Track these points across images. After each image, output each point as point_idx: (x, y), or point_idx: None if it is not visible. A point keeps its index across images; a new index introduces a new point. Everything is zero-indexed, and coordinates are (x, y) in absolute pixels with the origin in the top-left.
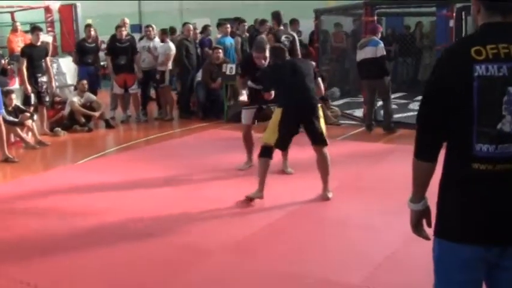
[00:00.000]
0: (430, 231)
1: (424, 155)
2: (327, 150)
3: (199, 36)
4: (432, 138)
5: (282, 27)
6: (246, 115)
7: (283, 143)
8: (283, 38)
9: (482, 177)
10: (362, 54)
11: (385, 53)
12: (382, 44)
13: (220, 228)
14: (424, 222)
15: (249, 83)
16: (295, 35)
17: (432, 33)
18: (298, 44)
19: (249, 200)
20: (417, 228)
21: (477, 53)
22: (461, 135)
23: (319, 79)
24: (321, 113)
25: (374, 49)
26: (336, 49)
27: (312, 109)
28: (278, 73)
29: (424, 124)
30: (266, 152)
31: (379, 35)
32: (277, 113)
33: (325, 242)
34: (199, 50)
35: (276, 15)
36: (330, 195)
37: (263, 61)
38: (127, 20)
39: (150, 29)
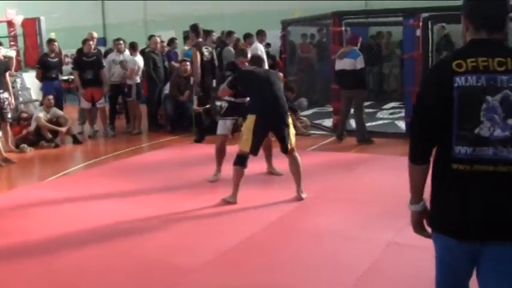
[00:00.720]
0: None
1: (417, 159)
2: (296, 153)
3: (166, 49)
4: (423, 144)
5: (201, 39)
6: (224, 125)
7: (256, 149)
8: (203, 49)
9: (461, 176)
10: (340, 64)
11: (364, 65)
12: (361, 56)
13: (199, 243)
14: (425, 222)
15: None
16: (211, 48)
17: (391, 44)
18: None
19: (226, 202)
20: (418, 227)
21: (458, 66)
22: (444, 138)
23: None
24: (290, 120)
25: (353, 61)
26: (304, 60)
27: (283, 118)
28: (254, 80)
29: (416, 133)
30: (240, 161)
31: (359, 46)
32: (250, 119)
33: (305, 255)
34: (166, 63)
35: (194, 28)
36: (304, 195)
37: (246, 64)
38: (95, 34)
39: (121, 42)
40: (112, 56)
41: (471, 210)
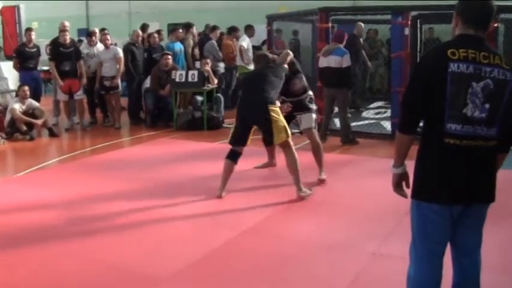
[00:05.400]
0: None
1: (406, 129)
2: (291, 148)
3: (157, 40)
4: (413, 116)
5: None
6: None
7: (233, 139)
8: None
9: (452, 149)
10: (325, 62)
11: (350, 63)
12: (348, 54)
13: (171, 250)
14: (404, 184)
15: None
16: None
17: (377, 42)
18: None
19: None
20: (398, 188)
21: (452, 54)
22: (437, 116)
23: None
24: (273, 114)
25: (340, 59)
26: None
27: (258, 112)
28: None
29: (407, 104)
30: (231, 155)
31: (344, 43)
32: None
33: (282, 265)
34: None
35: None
36: (302, 193)
37: None
38: (67, 23)
39: (94, 38)
40: (84, 49)
41: (459, 179)
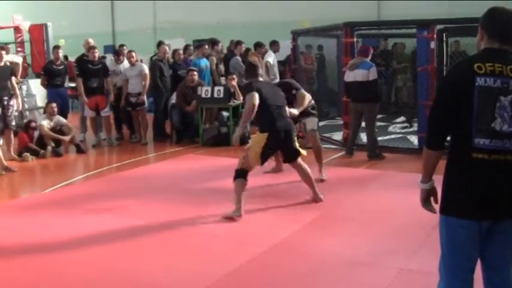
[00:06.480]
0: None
1: (433, 144)
2: (301, 160)
3: (182, 57)
4: (440, 131)
5: None
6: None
7: (263, 159)
8: None
9: (480, 164)
10: (351, 76)
11: (377, 76)
12: (374, 67)
13: (197, 266)
14: (432, 199)
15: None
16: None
17: (404, 56)
18: None
19: (229, 218)
20: (426, 203)
21: (478, 68)
22: (464, 130)
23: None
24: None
25: (366, 72)
26: (306, 71)
27: (292, 134)
28: (261, 93)
29: (434, 120)
30: (242, 174)
31: (370, 57)
32: (261, 137)
33: (308, 283)
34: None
35: None
36: (320, 196)
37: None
38: (91, 40)
39: (121, 57)
40: (110, 66)
41: (488, 194)
